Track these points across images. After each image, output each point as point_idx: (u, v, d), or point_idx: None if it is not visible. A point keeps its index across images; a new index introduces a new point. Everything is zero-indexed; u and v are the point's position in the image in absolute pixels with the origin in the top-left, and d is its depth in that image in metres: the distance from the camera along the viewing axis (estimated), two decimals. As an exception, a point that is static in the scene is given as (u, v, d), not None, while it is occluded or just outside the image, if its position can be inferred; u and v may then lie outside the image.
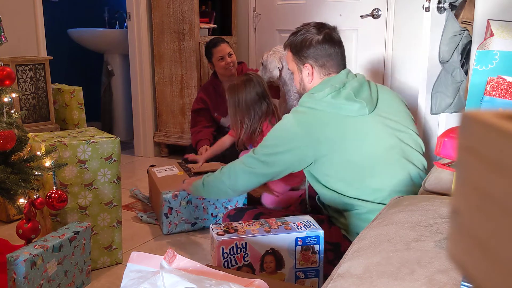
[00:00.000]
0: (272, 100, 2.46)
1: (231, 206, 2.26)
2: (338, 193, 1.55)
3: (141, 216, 2.38)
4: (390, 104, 1.62)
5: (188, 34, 3.35)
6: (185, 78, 3.44)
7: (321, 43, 1.59)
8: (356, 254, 0.90)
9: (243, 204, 2.25)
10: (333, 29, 1.64)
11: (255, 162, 1.59)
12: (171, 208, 2.18)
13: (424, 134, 1.95)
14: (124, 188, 2.66)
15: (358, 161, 1.50)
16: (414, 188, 1.54)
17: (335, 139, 1.49)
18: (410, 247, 0.86)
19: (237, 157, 2.48)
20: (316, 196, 1.75)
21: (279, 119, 2.33)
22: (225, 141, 2.62)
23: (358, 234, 1.50)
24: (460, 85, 1.76)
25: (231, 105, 2.32)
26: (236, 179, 1.64)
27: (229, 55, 2.92)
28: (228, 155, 2.61)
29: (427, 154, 1.97)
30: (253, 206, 2.04)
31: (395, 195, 1.49)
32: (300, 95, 1.69)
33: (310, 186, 1.78)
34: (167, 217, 2.18)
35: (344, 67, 1.64)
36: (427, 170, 1.63)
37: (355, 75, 1.62)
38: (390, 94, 1.67)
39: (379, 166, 1.51)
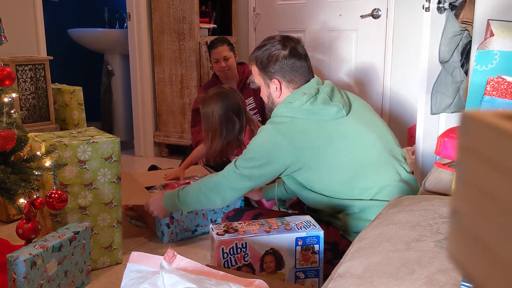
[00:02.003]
0: (249, 114, 2.41)
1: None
2: (326, 196, 1.56)
3: (130, 219, 2.38)
4: (360, 104, 1.66)
5: (188, 34, 3.35)
6: (185, 78, 3.44)
7: (287, 58, 1.58)
8: (356, 254, 0.90)
9: (240, 206, 2.23)
10: (298, 42, 1.63)
11: (239, 178, 1.59)
12: (172, 218, 2.13)
13: (424, 134, 1.95)
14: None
15: (344, 162, 1.51)
16: (401, 182, 1.55)
17: (318, 144, 1.50)
18: (410, 247, 0.86)
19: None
20: (305, 206, 1.75)
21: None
22: (201, 149, 2.54)
23: (355, 233, 1.51)
24: (460, 85, 1.76)
25: (203, 117, 2.24)
26: (224, 195, 1.65)
27: (225, 59, 2.90)
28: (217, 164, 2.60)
29: (427, 154, 1.97)
30: (252, 207, 2.04)
31: (384, 190, 1.52)
32: (268, 108, 1.69)
33: None
34: (168, 227, 2.13)
35: (312, 77, 1.64)
36: (406, 159, 1.67)
37: (323, 82, 1.64)
38: (356, 97, 1.70)
39: (365, 164, 1.53)
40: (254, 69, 1.67)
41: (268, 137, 1.56)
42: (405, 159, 1.65)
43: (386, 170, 1.55)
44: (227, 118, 2.21)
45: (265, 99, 1.70)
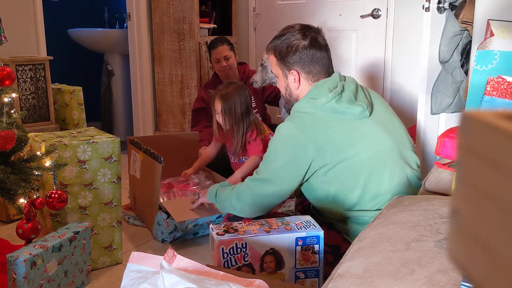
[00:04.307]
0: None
1: None
2: (336, 203, 1.52)
3: (128, 218, 2.38)
4: (381, 105, 1.60)
5: (188, 34, 3.35)
6: (185, 78, 3.44)
7: (307, 48, 1.51)
8: (356, 254, 0.91)
9: None
10: (319, 32, 1.56)
11: (261, 183, 1.51)
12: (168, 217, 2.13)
13: (424, 134, 1.95)
14: (124, 188, 2.67)
15: (361, 164, 1.46)
16: (412, 190, 1.52)
17: (339, 143, 1.45)
18: (410, 247, 0.86)
19: (227, 166, 2.45)
20: (311, 206, 1.70)
21: (260, 128, 2.34)
22: (210, 151, 2.54)
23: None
24: (460, 85, 1.76)
25: (227, 113, 2.26)
26: (244, 203, 1.56)
27: (226, 58, 2.90)
28: (217, 164, 2.60)
29: (427, 154, 1.97)
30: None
31: None
32: (286, 99, 1.62)
33: None
34: (162, 233, 2.13)
35: (333, 70, 1.57)
36: (419, 167, 1.62)
37: (345, 77, 1.57)
38: (377, 95, 1.65)
39: (380, 168, 1.48)
40: (272, 59, 1.59)
41: (288, 133, 1.48)
42: (418, 166, 1.60)
43: (400, 177, 1.50)
44: (247, 110, 2.28)
45: (282, 90, 1.62)
